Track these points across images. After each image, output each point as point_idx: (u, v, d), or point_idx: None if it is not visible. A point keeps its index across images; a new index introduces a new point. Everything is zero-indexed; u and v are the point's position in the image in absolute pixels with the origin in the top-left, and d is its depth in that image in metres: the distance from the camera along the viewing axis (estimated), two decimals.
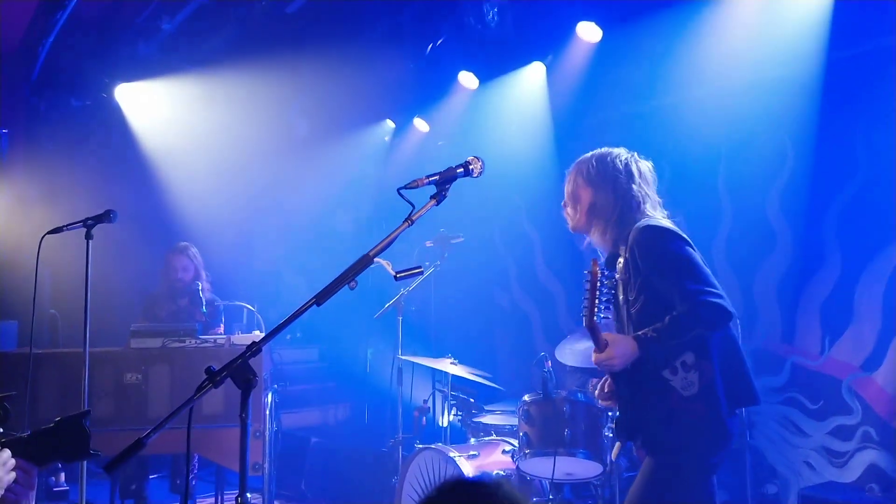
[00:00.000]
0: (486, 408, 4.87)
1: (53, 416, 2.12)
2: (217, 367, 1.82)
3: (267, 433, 4.72)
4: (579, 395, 4.06)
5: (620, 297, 2.65)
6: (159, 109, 6.73)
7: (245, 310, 6.18)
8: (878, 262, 4.39)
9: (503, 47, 5.74)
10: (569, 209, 2.91)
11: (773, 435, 4.81)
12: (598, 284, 2.44)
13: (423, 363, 4.57)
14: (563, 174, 6.53)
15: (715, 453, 2.53)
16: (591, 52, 5.54)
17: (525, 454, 3.92)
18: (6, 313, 5.44)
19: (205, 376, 1.80)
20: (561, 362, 4.47)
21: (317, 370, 8.02)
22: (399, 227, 2.08)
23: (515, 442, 4.11)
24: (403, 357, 4.62)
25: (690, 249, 2.59)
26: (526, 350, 6.32)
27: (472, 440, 4.59)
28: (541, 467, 3.91)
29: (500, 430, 4.55)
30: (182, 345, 4.21)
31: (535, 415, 3.96)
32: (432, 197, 2.19)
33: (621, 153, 2.83)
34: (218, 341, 4.33)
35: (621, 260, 2.67)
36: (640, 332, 2.52)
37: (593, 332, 2.51)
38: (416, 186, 2.15)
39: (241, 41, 6.04)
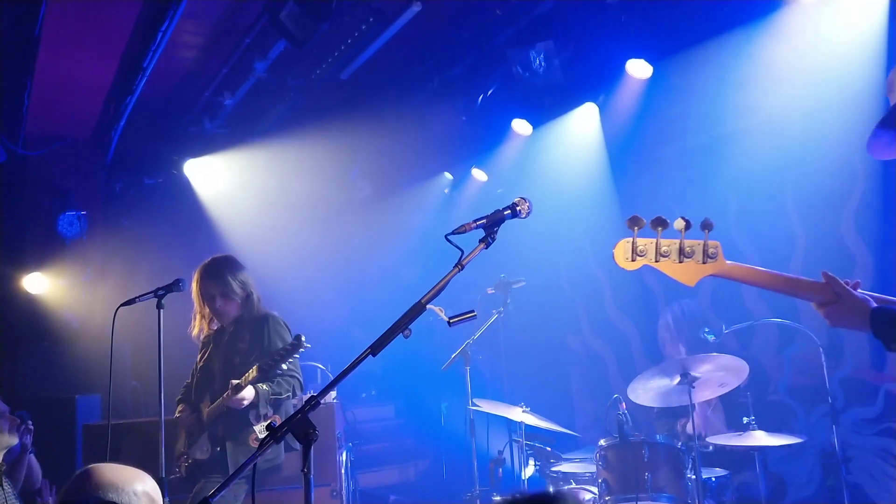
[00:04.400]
0: (564, 456, 4.75)
1: None
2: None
3: (344, 492, 4.73)
4: (657, 436, 3.94)
5: (231, 362, 3.88)
6: (226, 181, 7.04)
7: (318, 370, 6.26)
8: None
9: (553, 92, 5.78)
10: (219, 305, 3.95)
11: (872, 469, 4.50)
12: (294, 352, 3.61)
13: (493, 412, 4.52)
14: (624, 211, 6.47)
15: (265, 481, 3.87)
16: (643, 89, 5.52)
17: (606, 502, 3.80)
18: (91, 387, 5.68)
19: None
20: (640, 404, 4.35)
21: (393, 427, 8.01)
22: (449, 272, 2.09)
23: (595, 489, 3.99)
24: (473, 407, 4.57)
25: (289, 333, 3.96)
26: (602, 393, 6.17)
27: (551, 490, 4.47)
28: None
29: (579, 479, 4.42)
30: None
31: (612, 460, 3.85)
32: (481, 241, 2.19)
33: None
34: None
35: (246, 335, 3.92)
36: (258, 385, 3.66)
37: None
38: (465, 231, 2.16)
39: (300, 110, 6.30)
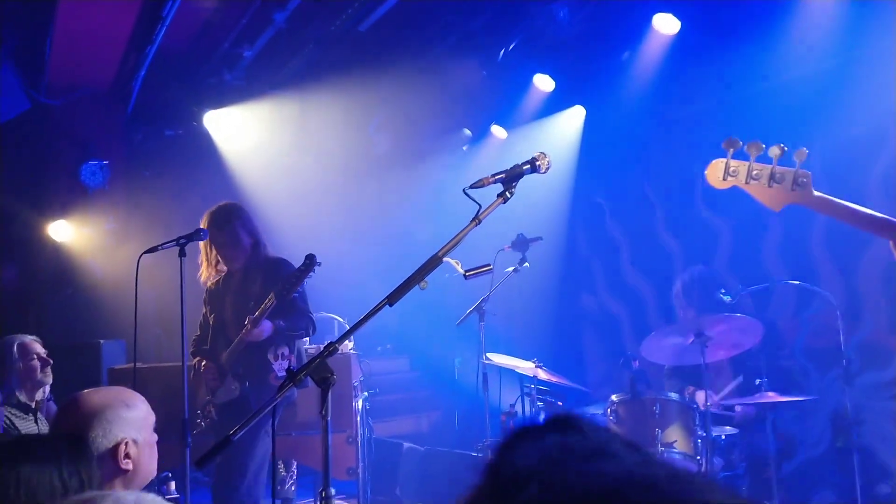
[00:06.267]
0: (576, 411, 4.83)
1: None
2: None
3: (359, 439, 4.86)
4: (670, 394, 3.99)
5: (244, 305, 3.92)
6: (245, 133, 7.05)
7: (335, 322, 6.35)
8: None
9: (577, 46, 5.71)
10: (229, 252, 4.06)
11: (885, 432, 4.52)
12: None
13: (506, 365, 4.59)
14: (643, 170, 6.40)
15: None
16: (669, 44, 5.43)
17: None
18: (116, 333, 5.82)
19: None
20: (653, 362, 4.41)
21: (408, 379, 8.15)
22: (466, 226, 2.11)
23: None
24: (486, 362, 4.64)
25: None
26: (614, 352, 6.23)
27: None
28: None
29: None
30: None
31: (623, 415, 3.94)
32: (499, 195, 2.20)
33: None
34: (308, 350, 4.49)
35: (258, 278, 4.01)
36: (276, 320, 3.80)
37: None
38: (483, 186, 2.17)
39: (319, 62, 6.27)
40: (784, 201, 2.06)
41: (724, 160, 2.08)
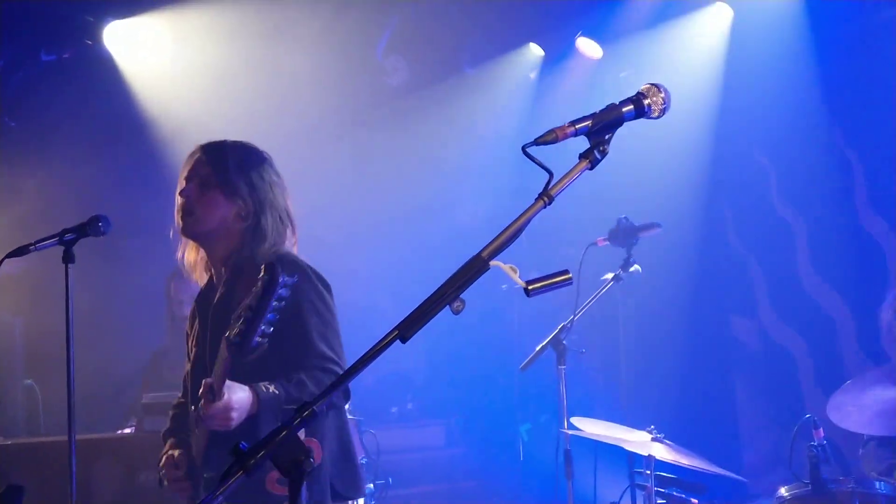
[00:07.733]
0: None
1: None
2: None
3: None
4: (878, 484, 3.95)
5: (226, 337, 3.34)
6: (174, 58, 7.09)
7: None
8: None
9: None
10: (194, 220, 3.60)
11: None
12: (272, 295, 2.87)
13: (603, 438, 4.58)
14: (831, 109, 6.40)
15: None
16: None
17: None
18: None
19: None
20: (848, 430, 4.39)
21: (444, 460, 8.16)
22: (529, 207, 2.09)
23: None
24: (571, 432, 4.64)
25: (332, 301, 3.56)
26: (786, 412, 6.20)
27: None
28: None
29: None
30: None
31: None
32: (583, 156, 2.19)
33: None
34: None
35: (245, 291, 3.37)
36: (260, 384, 3.21)
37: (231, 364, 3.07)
38: (555, 140, 2.15)
39: None
40: None
41: None
